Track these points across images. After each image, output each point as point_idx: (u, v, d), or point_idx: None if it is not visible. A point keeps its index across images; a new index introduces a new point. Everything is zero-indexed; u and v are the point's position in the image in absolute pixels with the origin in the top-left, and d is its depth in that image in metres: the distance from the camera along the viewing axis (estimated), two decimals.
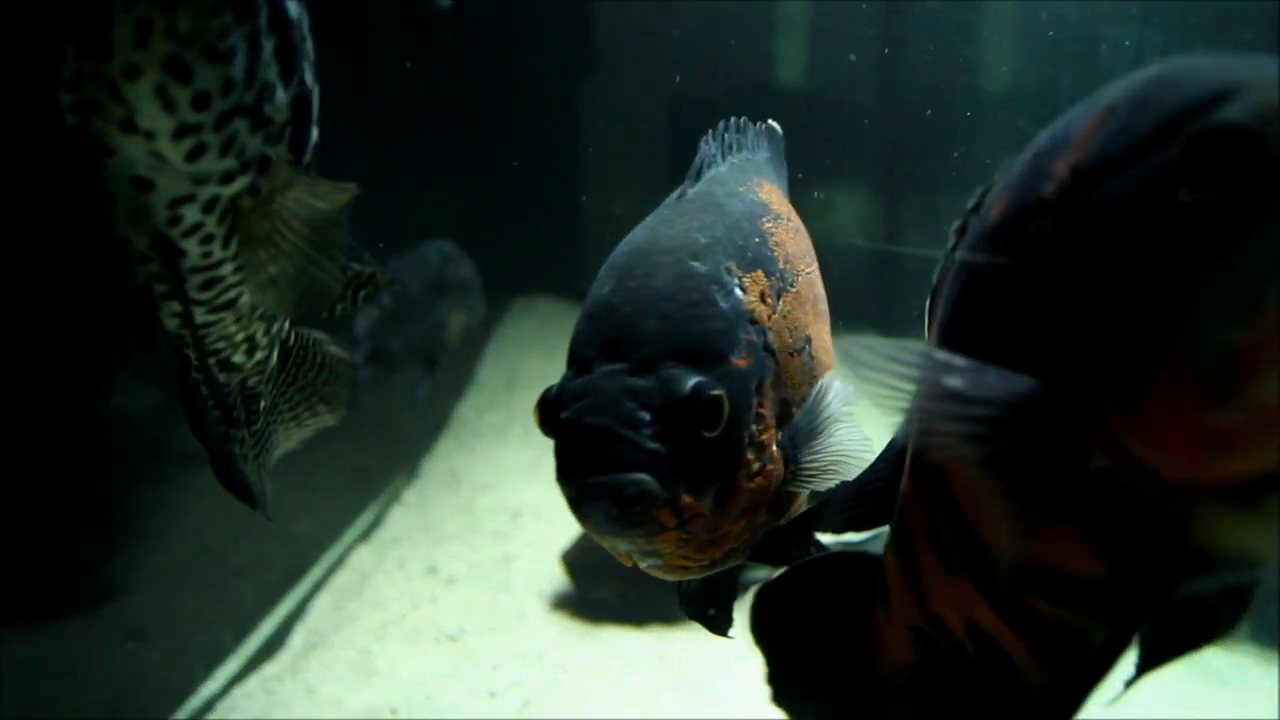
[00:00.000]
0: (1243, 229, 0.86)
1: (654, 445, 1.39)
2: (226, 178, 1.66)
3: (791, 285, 1.71)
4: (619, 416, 1.40)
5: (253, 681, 3.66)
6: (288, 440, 2.43)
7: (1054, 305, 1.04)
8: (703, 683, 3.61)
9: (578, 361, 1.51)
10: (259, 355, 2.09)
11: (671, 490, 1.40)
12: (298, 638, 3.96)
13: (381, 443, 5.46)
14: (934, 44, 5.87)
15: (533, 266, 7.09)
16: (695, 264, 1.56)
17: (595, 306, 1.55)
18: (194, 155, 1.59)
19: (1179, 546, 1.00)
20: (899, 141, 6.14)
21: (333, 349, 2.40)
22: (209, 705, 3.50)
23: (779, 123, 2.05)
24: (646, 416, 1.40)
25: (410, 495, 5.25)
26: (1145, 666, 1.21)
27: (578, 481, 1.40)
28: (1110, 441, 0.98)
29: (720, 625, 1.81)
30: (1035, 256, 1.07)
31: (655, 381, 1.43)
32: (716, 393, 1.43)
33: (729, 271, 1.58)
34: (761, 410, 1.53)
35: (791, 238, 1.79)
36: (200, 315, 1.86)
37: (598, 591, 4.06)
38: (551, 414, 1.46)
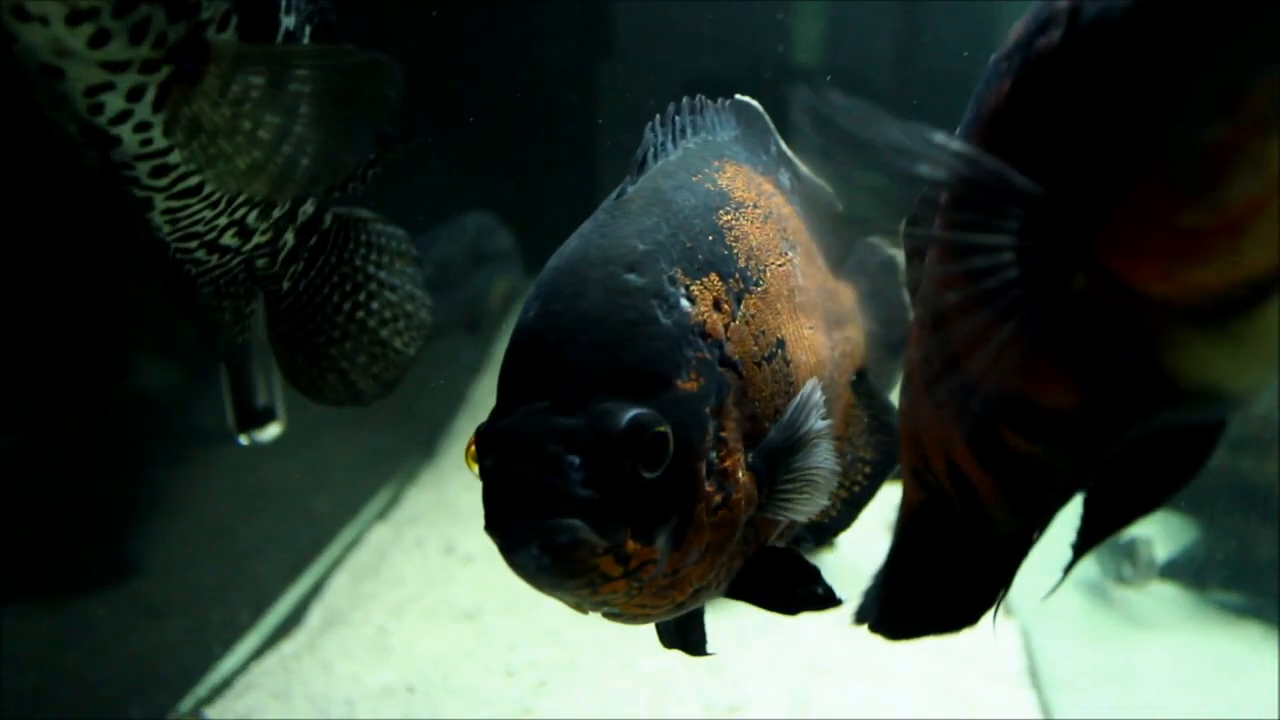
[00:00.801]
0: (1231, 25, 0.87)
1: (585, 492, 1.24)
2: (149, 66, 1.61)
3: (757, 284, 1.53)
4: (543, 463, 1.24)
5: (271, 659, 3.68)
6: (383, 333, 2.35)
7: (1057, 120, 1.05)
8: (718, 663, 3.62)
9: (502, 399, 1.35)
10: (258, 239, 2.06)
11: (611, 537, 1.24)
12: (315, 615, 3.98)
13: (398, 422, 5.47)
14: (954, 23, 5.82)
15: (549, 246, 7.09)
16: (631, 277, 1.38)
17: (518, 335, 1.38)
18: (97, 42, 1.53)
19: (1150, 373, 1.02)
20: (919, 120, 6.10)
21: (383, 226, 2.32)
22: (228, 681, 3.53)
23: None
24: (576, 460, 1.24)
25: (427, 474, 5.26)
26: (1086, 539, 1.24)
27: (504, 527, 1.25)
28: (1092, 261, 1.00)
29: (698, 648, 1.74)
30: (1042, 70, 1.08)
31: (584, 419, 1.26)
32: (660, 428, 1.27)
33: (673, 281, 1.40)
34: (723, 434, 1.38)
35: (758, 228, 1.60)
36: (161, 202, 1.82)
37: None
38: (480, 458, 1.31)
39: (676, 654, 3.70)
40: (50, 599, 3.42)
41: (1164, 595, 4.09)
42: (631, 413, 1.26)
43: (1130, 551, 4.16)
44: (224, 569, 4.02)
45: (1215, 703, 3.42)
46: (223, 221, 1.95)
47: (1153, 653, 3.76)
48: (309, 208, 2.17)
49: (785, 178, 1.88)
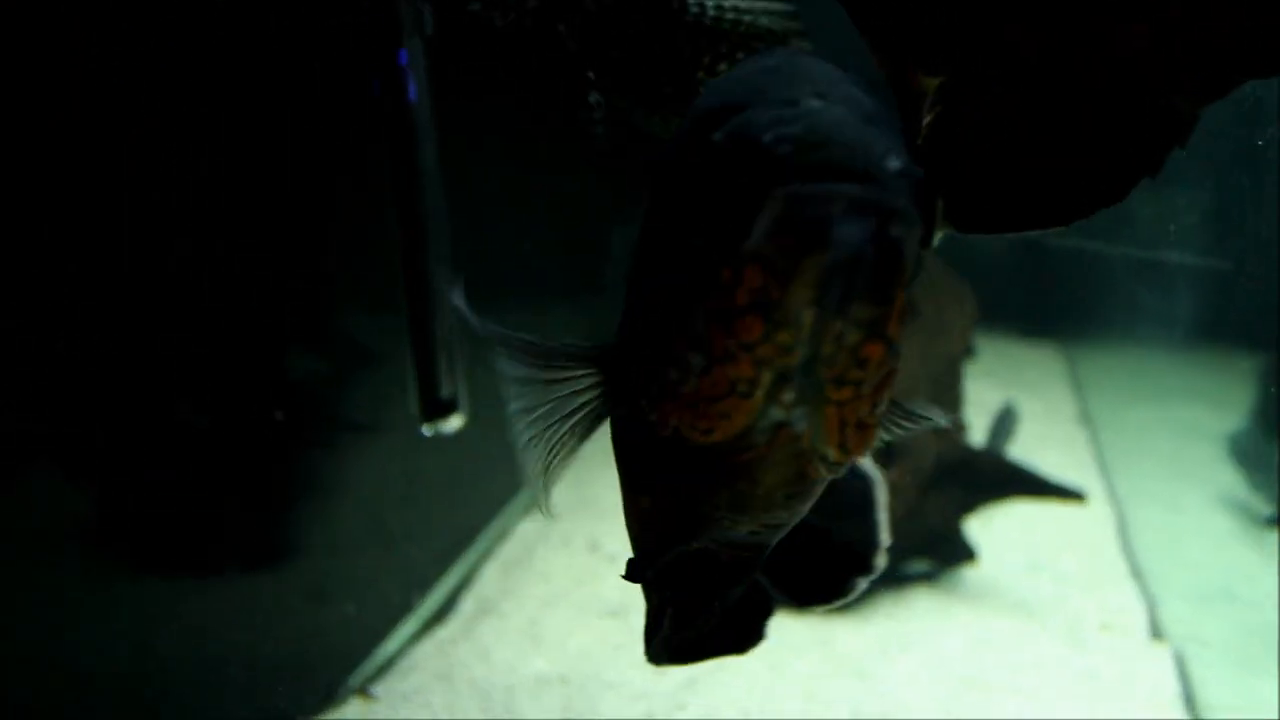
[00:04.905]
0: None
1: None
2: None
3: None
4: (874, 145, 0.96)
5: (429, 643, 3.82)
6: None
7: None
8: (867, 669, 3.65)
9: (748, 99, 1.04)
10: None
11: (914, 274, 1.01)
12: (468, 604, 4.11)
13: None
14: None
15: None
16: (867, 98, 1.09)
17: (764, 73, 1.09)
18: None
19: None
20: None
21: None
22: (390, 662, 3.67)
23: None
24: (897, 164, 0.96)
25: (570, 471, 5.35)
26: None
27: (828, 187, 0.93)
28: None
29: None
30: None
31: (895, 142, 0.99)
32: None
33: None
34: None
35: None
36: None
37: None
38: (744, 146, 0.98)
39: (825, 657, 3.73)
40: (224, 576, 3.60)
41: None
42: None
43: None
44: (380, 555, 4.17)
45: None
46: None
47: None
48: None
49: None
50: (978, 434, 4.84)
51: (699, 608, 1.53)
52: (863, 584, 1.64)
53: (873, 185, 0.93)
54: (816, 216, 0.92)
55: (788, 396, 1.03)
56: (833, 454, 1.11)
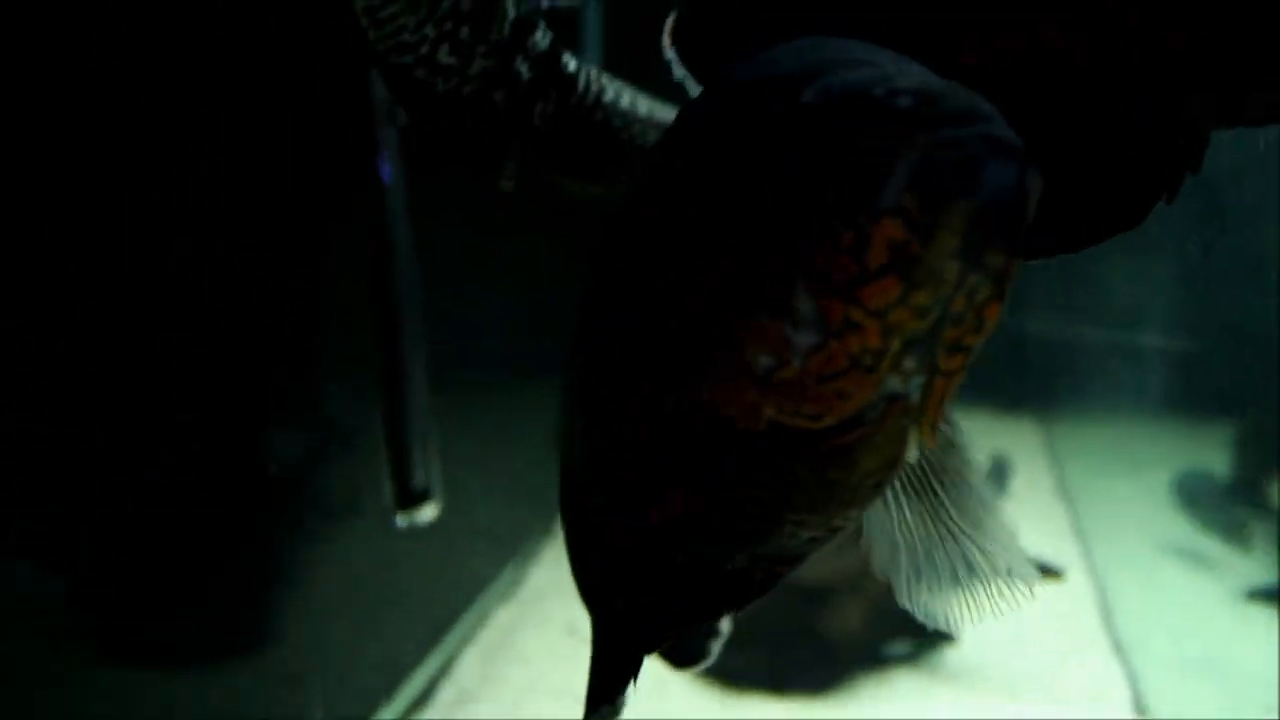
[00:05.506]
0: None
1: None
2: None
3: None
4: (981, 100, 0.89)
5: None
6: None
7: None
8: None
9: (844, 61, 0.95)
10: (482, 62, 1.96)
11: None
12: (447, 692, 4.07)
13: (517, 500, 5.58)
14: None
15: None
16: None
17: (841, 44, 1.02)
18: None
19: None
20: None
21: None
22: None
23: None
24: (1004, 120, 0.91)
25: (548, 552, 5.34)
26: None
27: (973, 129, 0.86)
28: None
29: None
30: None
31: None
32: None
33: None
34: None
35: None
36: None
37: (737, 660, 4.09)
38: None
39: None
40: (206, 666, 3.55)
41: None
42: None
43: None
44: (357, 640, 4.12)
45: None
46: (430, 32, 1.86)
47: None
48: (541, 40, 2.07)
49: None
50: None
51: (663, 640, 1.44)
52: (716, 646, 1.73)
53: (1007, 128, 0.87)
54: (965, 158, 0.85)
55: (909, 364, 0.93)
56: (924, 437, 1.00)
